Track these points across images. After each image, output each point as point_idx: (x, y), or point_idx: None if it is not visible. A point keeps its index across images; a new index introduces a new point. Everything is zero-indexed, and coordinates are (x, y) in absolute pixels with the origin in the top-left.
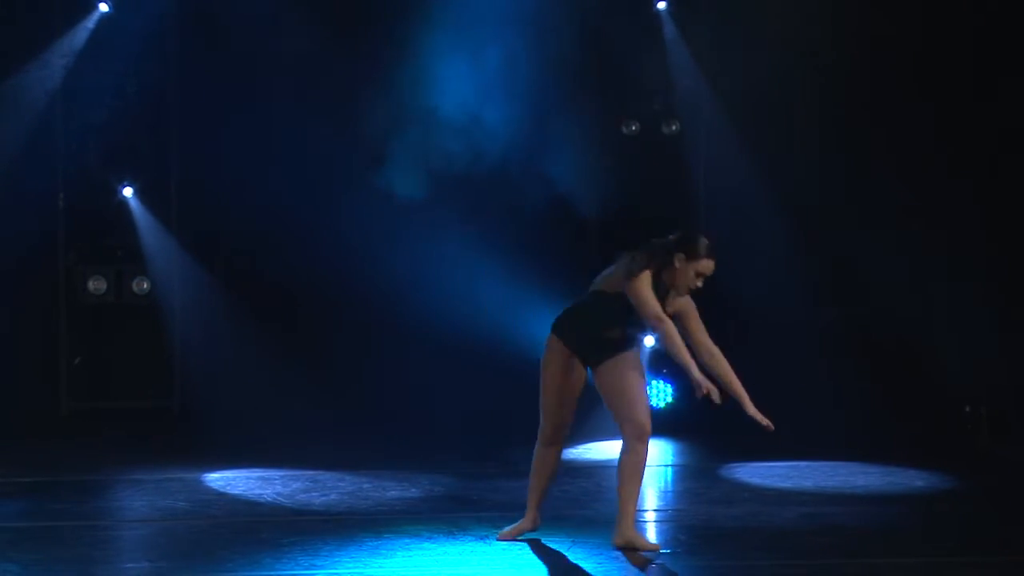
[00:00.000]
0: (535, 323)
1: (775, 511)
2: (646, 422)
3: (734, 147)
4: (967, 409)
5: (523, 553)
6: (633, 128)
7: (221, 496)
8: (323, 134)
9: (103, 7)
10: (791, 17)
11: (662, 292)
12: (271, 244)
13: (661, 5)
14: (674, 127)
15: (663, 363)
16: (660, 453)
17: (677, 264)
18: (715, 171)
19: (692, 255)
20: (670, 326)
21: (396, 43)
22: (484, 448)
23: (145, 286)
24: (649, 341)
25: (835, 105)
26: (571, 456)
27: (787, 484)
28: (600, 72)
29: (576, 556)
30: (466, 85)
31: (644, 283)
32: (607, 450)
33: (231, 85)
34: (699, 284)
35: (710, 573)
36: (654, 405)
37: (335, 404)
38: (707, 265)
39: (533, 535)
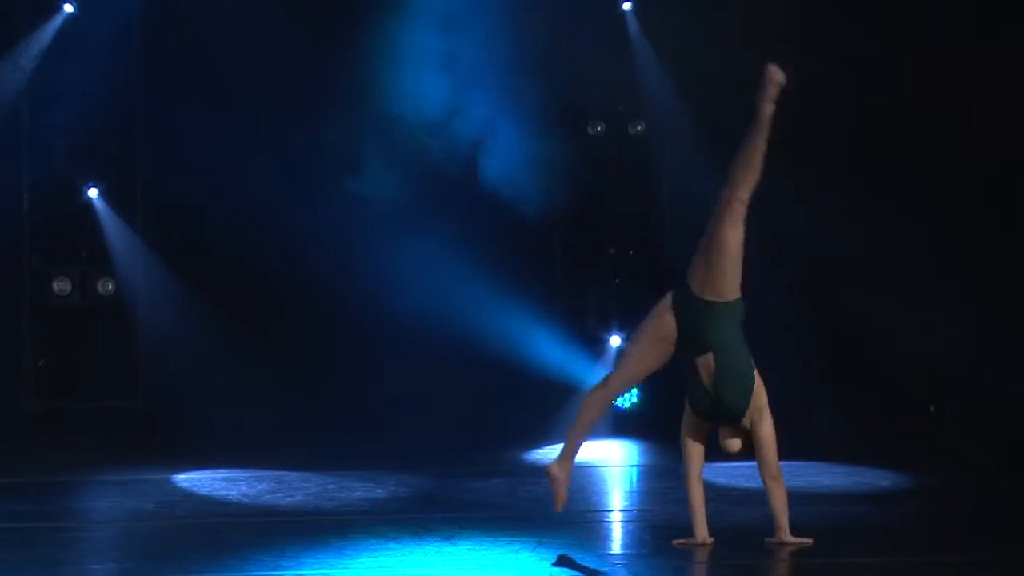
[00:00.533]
0: (503, 323)
1: (740, 511)
2: None
3: (699, 147)
4: (932, 409)
5: (489, 553)
6: (599, 128)
7: (187, 497)
8: (290, 134)
9: (68, 8)
10: (757, 17)
11: None
12: (237, 244)
13: (627, 6)
14: (639, 127)
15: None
16: (626, 453)
17: None
18: (680, 171)
19: None
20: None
21: (364, 43)
22: (450, 448)
23: (110, 287)
24: (615, 341)
25: (802, 104)
26: (537, 457)
27: (752, 484)
28: (566, 73)
29: (542, 556)
30: (432, 86)
31: None
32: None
33: (197, 86)
34: None
35: (675, 573)
36: (619, 406)
37: (302, 405)
38: None
39: (500, 535)
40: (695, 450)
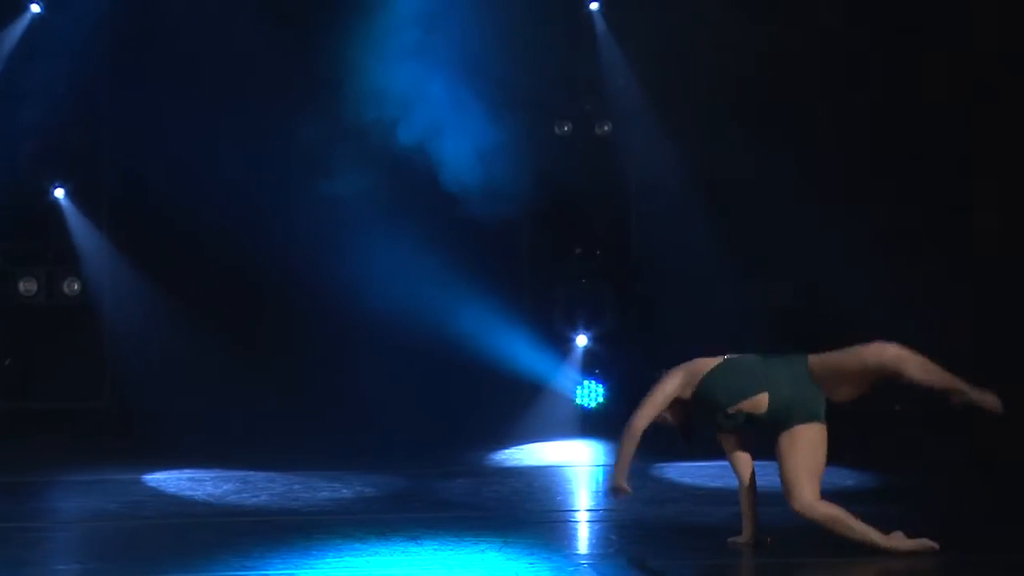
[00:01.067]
0: (471, 322)
1: (706, 510)
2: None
3: (666, 147)
4: (897, 408)
5: (455, 554)
6: (566, 128)
7: (153, 497)
8: (259, 134)
9: (35, 8)
10: (723, 16)
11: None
12: (205, 244)
13: (594, 6)
14: (606, 127)
15: (595, 363)
16: (592, 453)
17: None
18: (647, 171)
19: None
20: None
21: (334, 43)
22: (417, 448)
23: (76, 287)
24: (582, 340)
25: (768, 103)
26: (503, 457)
27: (717, 484)
28: (533, 73)
29: (508, 556)
30: (401, 86)
31: None
32: (539, 452)
33: (164, 85)
34: None
35: (641, 573)
36: (585, 405)
37: (269, 404)
38: None
39: (465, 535)
40: (740, 460)
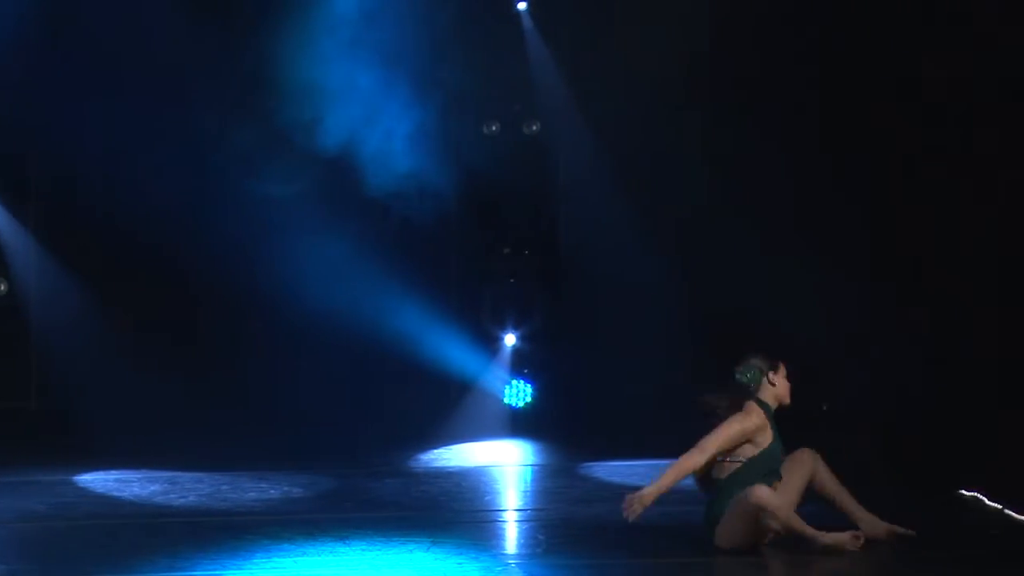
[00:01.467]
0: (400, 322)
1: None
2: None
3: (594, 147)
4: (824, 408)
5: (383, 554)
6: (494, 128)
7: (80, 498)
8: (190, 133)
9: None
10: (653, 17)
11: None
12: (135, 243)
13: (521, 5)
14: (534, 127)
15: (523, 363)
16: (520, 453)
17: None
18: (575, 171)
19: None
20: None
21: (262, 42)
22: (346, 448)
23: (3, 287)
24: (510, 340)
25: (698, 104)
26: (431, 457)
27: (646, 483)
28: (460, 72)
29: (436, 556)
30: (329, 85)
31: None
32: (467, 452)
33: (93, 83)
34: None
35: (568, 572)
36: (513, 405)
37: (199, 405)
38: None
39: (393, 535)
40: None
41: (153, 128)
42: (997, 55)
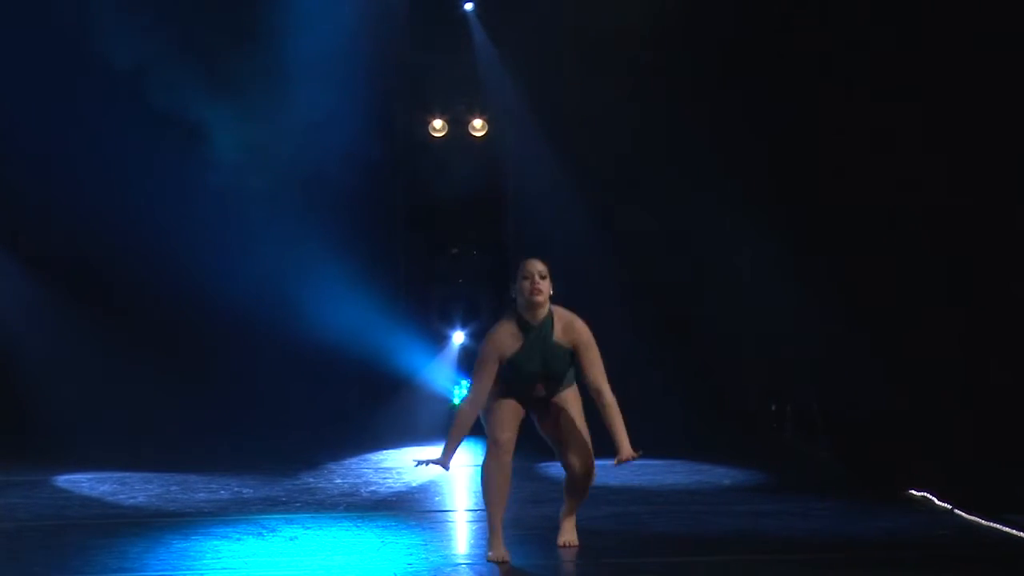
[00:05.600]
0: (350, 323)
1: (583, 510)
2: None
3: (541, 145)
4: (773, 407)
5: (333, 554)
6: (441, 129)
7: (27, 499)
8: (142, 134)
9: None
10: (599, 16)
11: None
12: (84, 243)
13: (468, 6)
14: (482, 128)
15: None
16: (471, 453)
17: (513, 294)
18: (523, 168)
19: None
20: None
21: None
22: (295, 448)
23: None
24: (459, 338)
25: (646, 102)
26: (380, 457)
27: (595, 483)
28: (408, 72)
29: (386, 556)
30: (276, 83)
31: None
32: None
33: (44, 83)
34: (534, 284)
35: (517, 573)
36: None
37: (147, 405)
38: (525, 268)
39: (343, 535)
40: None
41: (106, 130)
42: None
